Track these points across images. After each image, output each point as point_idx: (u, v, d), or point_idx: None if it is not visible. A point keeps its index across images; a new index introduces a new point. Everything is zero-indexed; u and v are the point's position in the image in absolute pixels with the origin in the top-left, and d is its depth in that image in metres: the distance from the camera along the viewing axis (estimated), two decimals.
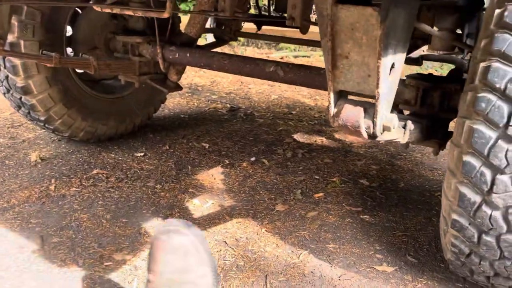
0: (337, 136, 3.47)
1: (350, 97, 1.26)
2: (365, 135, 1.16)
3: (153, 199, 2.25)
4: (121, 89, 2.95)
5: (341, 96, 1.18)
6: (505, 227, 1.26)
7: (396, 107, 1.90)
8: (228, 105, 4.12)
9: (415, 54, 2.43)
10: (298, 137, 3.41)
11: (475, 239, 1.34)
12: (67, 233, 1.91)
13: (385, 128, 1.15)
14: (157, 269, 1.13)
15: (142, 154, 2.78)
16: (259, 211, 2.21)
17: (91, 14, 2.64)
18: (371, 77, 1.06)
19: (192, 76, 5.30)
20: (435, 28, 1.81)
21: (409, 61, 2.45)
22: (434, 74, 1.88)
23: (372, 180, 2.65)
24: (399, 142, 1.38)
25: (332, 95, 1.15)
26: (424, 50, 2.45)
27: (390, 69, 1.10)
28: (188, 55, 2.45)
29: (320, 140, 3.36)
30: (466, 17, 1.90)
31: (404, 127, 1.39)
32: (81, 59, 2.37)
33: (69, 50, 2.68)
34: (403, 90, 1.82)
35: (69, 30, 2.65)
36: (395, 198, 2.43)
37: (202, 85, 4.91)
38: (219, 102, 4.22)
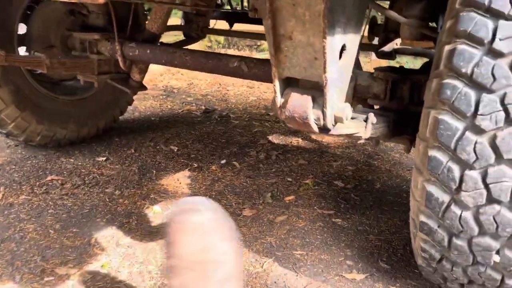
0: (313, 137, 3.34)
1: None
2: (314, 127, 1.03)
3: (109, 206, 2.08)
4: (83, 90, 2.78)
5: (289, 84, 1.04)
6: (476, 229, 1.13)
7: (365, 102, 1.77)
8: (203, 107, 3.97)
9: (388, 47, 2.31)
10: (273, 138, 3.27)
11: (445, 243, 1.21)
12: (8, 246, 1.74)
13: (337, 119, 1.02)
14: (178, 253, 1.07)
15: (104, 158, 2.62)
16: None
17: (46, 10, 2.49)
18: (318, 60, 0.92)
19: (169, 78, 5.14)
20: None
21: (381, 55, 2.34)
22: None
23: (347, 182, 2.51)
24: (360, 137, 1.24)
25: (277, 83, 1.01)
26: (397, 43, 2.33)
27: (341, 52, 0.96)
28: (148, 51, 2.31)
29: (296, 141, 3.23)
30: (438, 6, 1.79)
31: (366, 120, 1.25)
32: (32, 57, 2.21)
33: (24, 49, 2.52)
34: (372, 84, 1.69)
35: (23, 28, 2.48)
36: (370, 200, 2.30)
37: (178, 88, 4.76)
38: (194, 104, 4.07)
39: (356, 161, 2.84)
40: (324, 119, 1.00)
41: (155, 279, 1.61)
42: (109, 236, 1.85)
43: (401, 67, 1.77)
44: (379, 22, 2.36)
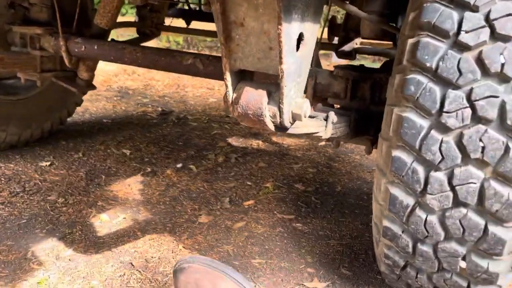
0: (274, 139, 3.25)
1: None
2: (270, 125, 0.93)
3: (51, 216, 1.90)
4: (25, 89, 2.56)
5: (243, 78, 0.94)
6: (442, 234, 1.06)
7: (325, 101, 1.70)
8: (160, 109, 3.80)
9: (348, 47, 2.26)
10: (232, 141, 3.16)
11: (410, 249, 1.14)
12: None
13: (295, 117, 0.92)
14: None
15: (49, 163, 2.42)
16: (178, 225, 1.93)
17: None
18: (273, 50, 0.82)
19: (124, 79, 4.93)
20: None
21: (341, 54, 2.28)
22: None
23: (308, 184, 2.44)
24: (320, 136, 1.16)
25: (229, 76, 0.90)
26: (357, 43, 2.28)
27: (298, 42, 0.87)
28: (96, 47, 2.14)
29: (256, 143, 3.13)
30: (398, 3, 1.75)
31: (326, 119, 1.17)
32: None
33: None
34: (332, 82, 1.62)
35: None
36: (331, 203, 2.23)
37: (133, 89, 4.56)
38: (150, 105, 3.90)
39: (317, 163, 2.77)
40: (280, 116, 0.90)
41: None
42: (48, 249, 1.67)
43: (362, 66, 1.71)
44: (338, 22, 2.31)
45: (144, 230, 1.87)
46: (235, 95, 0.91)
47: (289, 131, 0.98)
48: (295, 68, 0.86)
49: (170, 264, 1.64)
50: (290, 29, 0.80)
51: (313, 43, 0.93)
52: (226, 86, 0.91)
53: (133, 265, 1.62)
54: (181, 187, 2.29)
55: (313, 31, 0.91)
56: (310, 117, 1.11)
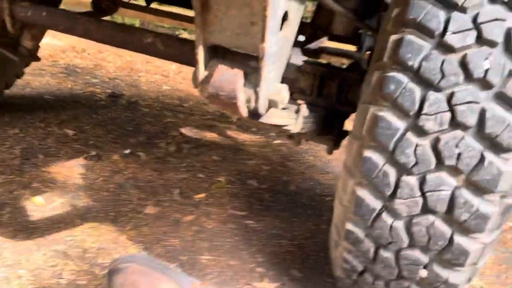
0: (229, 133, 3.16)
1: None
2: (243, 110, 0.84)
3: None
4: None
5: (216, 55, 0.84)
6: (406, 241, 1.03)
7: (290, 97, 1.63)
8: (109, 91, 3.58)
9: (314, 45, 2.21)
10: (186, 131, 3.02)
11: (371, 254, 1.10)
12: None
13: (272, 103, 0.84)
14: None
15: None
16: (122, 214, 1.79)
17: None
18: (256, 26, 0.74)
19: (73, 56, 4.61)
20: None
21: (306, 52, 2.23)
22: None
23: (262, 182, 2.37)
24: (289, 130, 1.09)
25: (201, 50, 0.80)
26: (323, 42, 2.25)
27: (282, 22, 0.79)
28: (44, 14, 1.93)
29: (210, 135, 3.02)
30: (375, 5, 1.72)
31: (297, 112, 1.10)
32: None
33: None
34: (299, 77, 1.56)
35: None
36: (284, 202, 2.18)
37: (82, 67, 4.27)
38: (99, 86, 3.66)
39: (271, 161, 2.71)
40: (256, 102, 0.82)
41: (25, 286, 1.30)
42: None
43: (329, 64, 1.66)
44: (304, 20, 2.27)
45: (84, 217, 1.71)
46: (206, 73, 0.81)
47: (262, 119, 0.89)
48: (276, 49, 0.78)
49: (110, 256, 1.51)
50: (277, 3, 0.71)
51: (296, 26, 0.85)
52: (197, 61, 0.81)
53: (68, 254, 1.47)
54: (127, 175, 2.15)
55: (298, 12, 0.84)
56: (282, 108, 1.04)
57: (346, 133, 1.62)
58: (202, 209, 1.95)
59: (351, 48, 2.34)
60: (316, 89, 1.54)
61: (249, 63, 0.80)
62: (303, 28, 2.16)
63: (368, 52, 2.16)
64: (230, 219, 1.91)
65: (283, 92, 0.85)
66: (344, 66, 1.88)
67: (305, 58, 1.67)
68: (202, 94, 0.84)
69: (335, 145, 1.60)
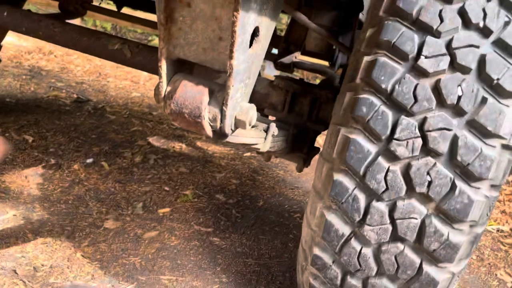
0: (199, 144, 3.09)
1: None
2: (208, 130, 0.78)
3: None
4: None
5: (181, 69, 0.78)
6: (375, 269, 0.99)
7: (261, 112, 1.59)
8: (75, 96, 3.45)
9: (287, 59, 2.19)
10: (153, 140, 2.93)
11: (338, 282, 1.05)
12: None
13: (238, 124, 0.79)
14: None
15: None
16: (79, 229, 1.69)
17: None
18: (224, 42, 0.69)
19: (38, 58, 4.44)
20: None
21: (280, 66, 2.21)
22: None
23: (230, 196, 2.31)
24: (258, 149, 1.04)
25: (164, 64, 0.74)
26: (296, 57, 2.23)
27: (252, 37, 0.74)
28: (6, 14, 1.84)
29: (179, 146, 2.94)
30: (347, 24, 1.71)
31: (267, 130, 1.05)
32: None
33: None
34: (270, 92, 1.52)
35: None
36: (252, 218, 2.12)
37: (48, 70, 4.12)
38: (64, 90, 3.53)
39: (240, 174, 2.66)
40: (221, 121, 0.76)
41: None
42: None
43: (301, 80, 1.63)
44: (278, 34, 2.25)
45: (37, 231, 1.60)
46: (169, 88, 0.75)
47: (228, 139, 0.84)
48: (245, 67, 0.73)
49: (64, 275, 1.41)
50: (247, 19, 0.67)
51: (267, 43, 0.81)
52: (160, 75, 0.75)
53: (16, 273, 1.37)
54: (88, 186, 2.04)
55: (269, 28, 0.79)
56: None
57: (316, 150, 1.58)
58: (166, 224, 1.88)
59: (325, 63, 2.34)
60: (288, 105, 1.50)
61: (215, 80, 0.74)
62: (276, 41, 2.15)
63: (341, 69, 2.16)
64: (195, 236, 1.84)
65: (251, 112, 0.80)
66: (318, 82, 1.86)
67: (277, 72, 1.64)
68: (164, 110, 0.78)
69: (305, 162, 1.56)
